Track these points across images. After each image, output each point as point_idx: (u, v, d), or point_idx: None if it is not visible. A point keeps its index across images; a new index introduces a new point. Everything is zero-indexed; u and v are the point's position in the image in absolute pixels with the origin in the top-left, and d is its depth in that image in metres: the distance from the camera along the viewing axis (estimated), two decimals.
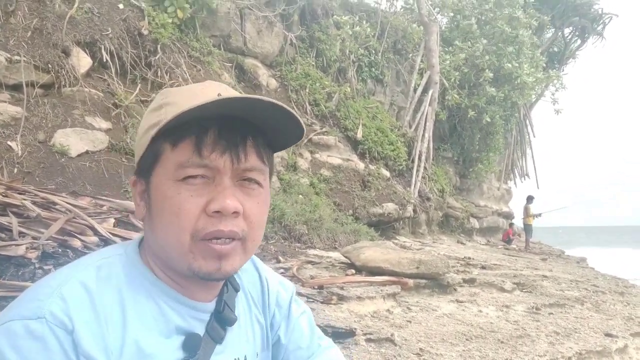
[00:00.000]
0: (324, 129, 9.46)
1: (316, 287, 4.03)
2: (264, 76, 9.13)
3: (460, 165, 14.79)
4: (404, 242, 9.03)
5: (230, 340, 0.83)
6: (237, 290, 0.88)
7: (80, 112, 5.40)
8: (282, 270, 4.39)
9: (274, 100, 0.71)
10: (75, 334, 0.64)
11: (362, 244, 5.79)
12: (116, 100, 5.81)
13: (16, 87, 5.02)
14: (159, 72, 6.66)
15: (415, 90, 12.09)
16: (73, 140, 5.03)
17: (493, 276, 6.21)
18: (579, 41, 19.02)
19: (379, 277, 4.52)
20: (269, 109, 0.72)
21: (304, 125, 0.77)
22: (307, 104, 9.46)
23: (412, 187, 10.65)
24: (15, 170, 4.40)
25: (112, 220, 3.41)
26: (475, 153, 14.45)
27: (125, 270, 0.74)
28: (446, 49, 12.86)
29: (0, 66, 4.88)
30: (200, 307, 0.79)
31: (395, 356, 2.92)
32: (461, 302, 4.68)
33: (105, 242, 2.98)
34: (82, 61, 5.74)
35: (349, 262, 5.08)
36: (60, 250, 2.81)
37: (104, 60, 5.98)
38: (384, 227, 9.26)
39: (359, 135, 9.93)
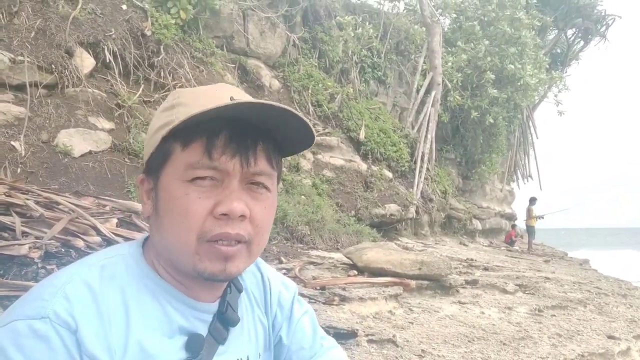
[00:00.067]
0: (326, 130, 9.46)
1: (318, 287, 4.03)
2: (267, 77, 9.13)
3: (462, 166, 14.77)
4: (406, 243, 9.01)
5: (233, 340, 0.83)
6: (240, 291, 0.89)
7: (84, 113, 5.41)
8: (284, 271, 4.39)
9: (287, 107, 0.71)
10: (79, 333, 0.64)
11: (364, 245, 5.78)
12: (119, 101, 5.83)
13: (20, 88, 5.04)
14: (162, 72, 6.67)
15: (417, 91, 12.09)
16: (76, 141, 5.04)
17: (495, 278, 6.20)
18: (582, 42, 19.00)
19: (381, 278, 4.51)
20: (280, 115, 0.72)
21: (314, 133, 0.77)
22: (309, 104, 9.46)
23: (415, 188, 10.63)
24: (19, 170, 4.41)
25: (115, 221, 3.41)
26: (478, 154, 14.43)
27: (128, 270, 0.75)
28: (449, 50, 12.85)
29: (4, 66, 4.89)
30: (204, 308, 0.80)
31: (397, 357, 2.92)
32: (463, 303, 4.68)
33: (108, 242, 2.99)
34: (86, 62, 5.76)
35: (351, 263, 5.08)
36: (63, 250, 2.82)
37: (107, 60, 6.00)
38: (386, 228, 9.25)
39: (362, 136, 9.93)
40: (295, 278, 4.17)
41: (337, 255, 5.82)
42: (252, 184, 0.75)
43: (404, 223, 10.03)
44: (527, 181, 18.86)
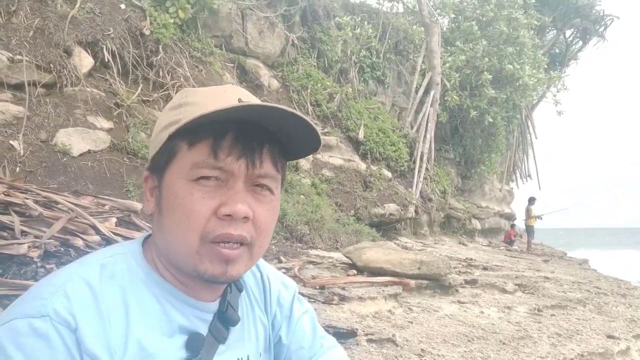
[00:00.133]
0: (325, 130, 9.46)
1: (318, 287, 4.03)
2: (266, 77, 9.13)
3: (462, 166, 14.78)
4: (406, 242, 9.01)
5: (233, 340, 0.83)
6: (240, 291, 0.88)
7: (82, 112, 5.41)
8: (283, 270, 4.39)
9: (295, 111, 0.71)
10: (79, 332, 0.64)
11: (363, 244, 5.78)
12: (118, 100, 5.82)
13: (18, 87, 5.03)
14: (161, 72, 6.66)
15: (416, 91, 12.09)
16: (75, 140, 5.03)
17: (495, 277, 6.20)
18: (580, 42, 19.03)
19: (380, 277, 4.51)
20: (287, 118, 0.72)
21: (321, 138, 0.77)
22: (308, 104, 9.46)
23: (414, 187, 10.64)
24: (18, 169, 4.40)
25: (114, 220, 3.41)
26: (477, 154, 14.44)
27: (129, 268, 0.74)
28: (448, 49, 12.86)
29: (2, 66, 4.88)
30: (204, 307, 0.79)
31: (396, 357, 2.92)
32: (463, 303, 4.68)
33: (107, 241, 2.99)
34: (84, 61, 5.75)
35: (351, 262, 5.08)
36: (62, 249, 2.82)
37: (106, 60, 5.99)
38: (386, 227, 9.25)
39: (361, 135, 9.93)
40: (294, 277, 4.16)
41: (337, 255, 5.82)
42: (256, 186, 0.75)
43: (403, 223, 10.04)
44: (526, 181, 18.91)
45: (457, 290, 5.03)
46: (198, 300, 0.79)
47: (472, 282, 5.49)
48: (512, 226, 16.44)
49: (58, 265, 2.62)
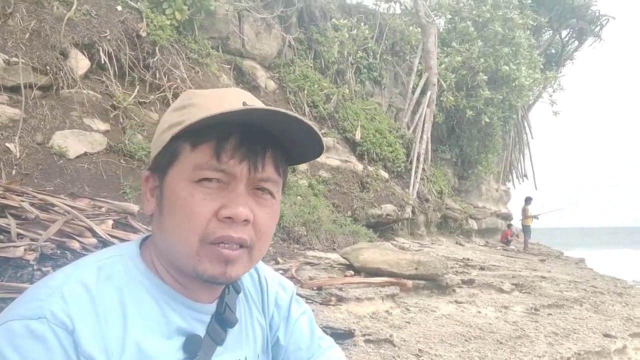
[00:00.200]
0: (322, 131, 9.45)
1: (315, 288, 4.03)
2: (263, 78, 9.13)
3: (458, 166, 14.81)
4: (403, 243, 9.02)
5: (231, 341, 0.83)
6: (238, 292, 0.89)
7: (79, 114, 5.39)
8: (281, 272, 4.38)
9: (300, 116, 0.72)
10: (76, 334, 0.64)
11: (360, 245, 5.79)
12: (114, 102, 5.80)
13: (14, 89, 5.01)
14: (157, 73, 6.65)
15: (413, 91, 12.11)
16: (71, 142, 5.02)
17: (492, 277, 6.22)
18: (576, 43, 19.10)
19: (377, 278, 4.52)
20: (292, 123, 0.73)
21: (324, 144, 0.78)
22: (305, 105, 9.46)
23: (411, 188, 10.66)
24: (14, 171, 4.39)
25: (111, 222, 3.40)
26: (473, 155, 14.47)
27: (126, 270, 0.74)
28: (444, 50, 12.88)
29: None
30: (202, 309, 0.80)
31: (394, 357, 2.92)
32: (460, 303, 4.69)
33: (103, 243, 2.98)
34: (80, 63, 5.74)
35: (348, 263, 5.08)
36: (58, 251, 2.81)
37: (102, 62, 5.97)
38: (383, 228, 9.25)
39: (358, 136, 9.94)
40: (292, 278, 4.16)
41: (334, 256, 5.83)
42: (257, 190, 0.75)
43: (400, 223, 10.05)
44: (523, 181, 18.97)
45: (454, 290, 5.04)
46: (196, 302, 0.79)
47: (469, 282, 5.51)
48: (509, 226, 16.47)
49: (54, 267, 2.61)
